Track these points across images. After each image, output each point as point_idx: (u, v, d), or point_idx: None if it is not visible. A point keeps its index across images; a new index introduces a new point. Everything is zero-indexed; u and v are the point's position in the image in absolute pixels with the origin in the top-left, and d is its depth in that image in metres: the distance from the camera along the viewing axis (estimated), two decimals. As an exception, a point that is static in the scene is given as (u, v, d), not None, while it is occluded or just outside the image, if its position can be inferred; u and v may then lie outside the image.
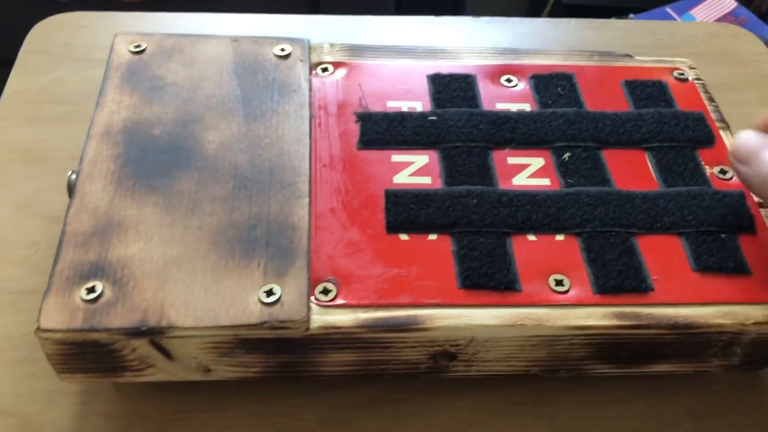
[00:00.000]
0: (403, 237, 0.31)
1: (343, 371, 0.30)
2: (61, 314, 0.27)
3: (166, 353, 0.28)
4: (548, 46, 0.49)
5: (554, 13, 1.29)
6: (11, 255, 0.35)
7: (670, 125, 0.36)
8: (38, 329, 0.27)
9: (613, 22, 0.52)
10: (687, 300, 0.30)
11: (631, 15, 1.11)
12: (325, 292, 0.29)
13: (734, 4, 1.06)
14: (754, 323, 0.29)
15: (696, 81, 0.39)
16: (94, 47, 0.46)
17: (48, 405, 0.31)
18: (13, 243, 0.36)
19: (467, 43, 0.49)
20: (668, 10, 1.06)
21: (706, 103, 0.38)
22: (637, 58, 0.41)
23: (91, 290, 0.28)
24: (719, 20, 1.05)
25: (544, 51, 0.40)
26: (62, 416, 0.30)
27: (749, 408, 0.33)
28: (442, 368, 0.30)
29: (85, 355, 0.28)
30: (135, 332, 0.27)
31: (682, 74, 0.40)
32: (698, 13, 1.06)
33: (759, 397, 0.33)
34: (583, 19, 0.52)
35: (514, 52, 0.40)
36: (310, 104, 0.36)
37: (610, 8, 1.22)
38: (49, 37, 0.47)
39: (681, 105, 0.38)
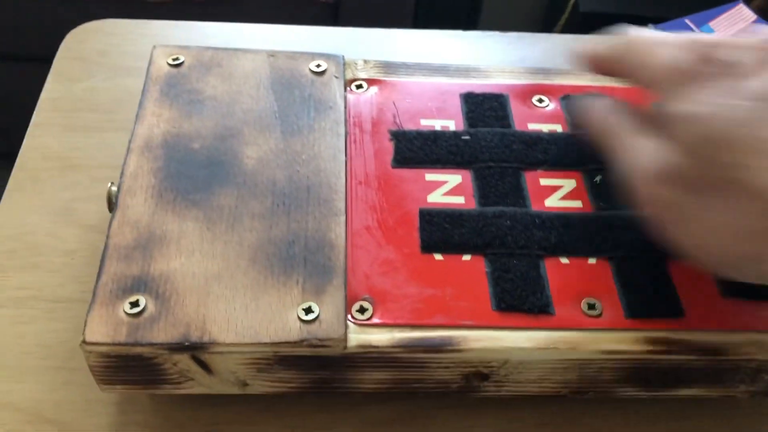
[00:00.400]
0: (438, 257, 0.31)
1: (377, 388, 0.30)
2: (106, 327, 0.28)
3: (206, 368, 0.28)
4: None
5: (571, 21, 1.29)
6: (49, 263, 0.36)
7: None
8: (83, 342, 0.27)
9: (640, 40, 0.52)
10: (717, 326, 0.30)
11: (650, 25, 1.11)
12: (362, 310, 0.29)
13: (753, 17, 1.06)
14: (784, 351, 0.30)
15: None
16: (127, 55, 0.47)
17: (86, 413, 0.31)
18: (51, 251, 0.36)
19: (495, 58, 0.49)
20: (687, 21, 1.06)
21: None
22: (666, 80, 0.41)
23: (135, 304, 0.28)
24: (738, 33, 1.05)
25: (575, 71, 0.41)
26: (100, 425, 0.31)
27: (774, 433, 0.33)
28: (474, 388, 0.31)
29: (128, 367, 0.28)
30: (178, 347, 0.27)
31: (712, 98, 0.40)
32: (717, 25, 1.06)
33: (784, 423, 0.34)
34: (609, 36, 0.52)
35: (545, 71, 0.40)
36: (346, 121, 0.36)
37: (628, 17, 1.23)
38: (83, 44, 0.47)
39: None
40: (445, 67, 0.40)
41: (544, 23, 1.49)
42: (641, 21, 1.17)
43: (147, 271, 0.29)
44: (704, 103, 0.27)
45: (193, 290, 0.29)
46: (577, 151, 0.36)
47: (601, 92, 0.39)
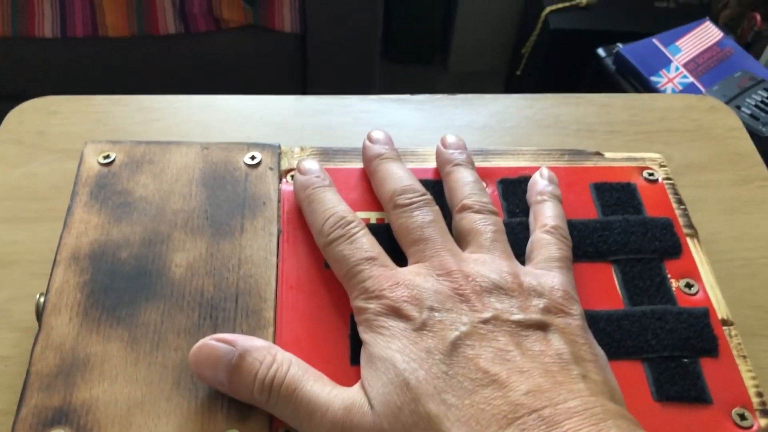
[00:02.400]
0: (368, 368, 0.31)
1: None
2: (24, 468, 0.27)
3: (129, 500, 0.28)
4: (523, 125, 0.50)
5: (541, 38, 1.29)
6: (-19, 372, 0.35)
7: (637, 235, 0.36)
8: (0, 485, 0.27)
9: (590, 97, 0.52)
10: (648, 434, 0.30)
11: (619, 44, 1.11)
12: (288, 434, 0.29)
13: (720, 35, 1.06)
14: (714, 458, 0.30)
15: (666, 181, 0.40)
16: (67, 135, 0.46)
17: None
18: (-16, 358, 0.36)
19: (442, 122, 0.49)
20: (655, 41, 1.07)
21: (675, 206, 0.38)
22: (607, 155, 0.41)
23: (54, 440, 0.28)
24: (705, 51, 1.05)
25: (515, 151, 0.41)
26: None
27: None
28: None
29: (49, 504, 0.28)
30: (97, 486, 0.27)
31: (652, 174, 0.40)
32: (684, 43, 1.06)
33: None
34: (560, 95, 0.52)
35: (483, 153, 0.40)
36: (279, 218, 0.36)
37: (596, 33, 1.23)
38: (23, 125, 0.47)
39: (650, 209, 0.38)
40: (382, 151, 0.40)
41: (516, 40, 1.49)
42: (610, 37, 1.17)
43: (69, 400, 0.29)
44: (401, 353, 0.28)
45: (114, 421, 0.28)
46: (511, 244, 0.36)
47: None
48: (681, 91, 1.00)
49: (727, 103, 0.94)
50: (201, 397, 0.29)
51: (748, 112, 0.93)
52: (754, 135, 0.93)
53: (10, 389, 0.35)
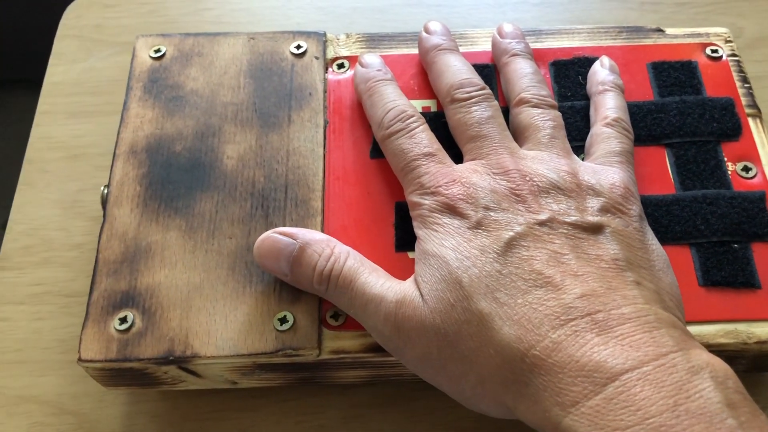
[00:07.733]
0: (412, 255, 0.32)
1: (357, 381, 0.32)
2: (98, 344, 0.30)
3: (194, 373, 0.31)
4: None
5: None
6: (60, 257, 0.38)
7: (693, 117, 0.35)
8: (79, 359, 0.30)
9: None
10: (690, 318, 0.30)
11: None
12: (336, 316, 0.31)
13: None
14: (756, 342, 0.30)
15: (730, 58, 0.37)
16: (123, 28, 0.47)
17: (101, 404, 0.34)
18: (61, 245, 0.39)
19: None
20: None
21: (738, 85, 0.36)
22: (668, 31, 0.39)
23: (123, 320, 0.30)
24: None
25: (569, 30, 0.39)
26: (113, 415, 0.34)
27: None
28: (450, 379, 0.32)
29: (124, 376, 0.31)
30: (163, 361, 0.30)
31: (716, 51, 0.37)
32: None
33: (764, 395, 0.34)
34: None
35: (536, 33, 0.39)
36: (325, 108, 0.36)
37: None
38: (81, 19, 0.47)
39: (710, 89, 0.36)
40: (430, 35, 0.39)
41: None
42: None
43: (134, 285, 0.31)
44: (454, 250, 0.28)
45: (176, 303, 0.31)
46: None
47: (591, 54, 0.37)
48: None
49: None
50: (255, 282, 0.31)
51: None
52: None
53: (86, 273, 0.38)
